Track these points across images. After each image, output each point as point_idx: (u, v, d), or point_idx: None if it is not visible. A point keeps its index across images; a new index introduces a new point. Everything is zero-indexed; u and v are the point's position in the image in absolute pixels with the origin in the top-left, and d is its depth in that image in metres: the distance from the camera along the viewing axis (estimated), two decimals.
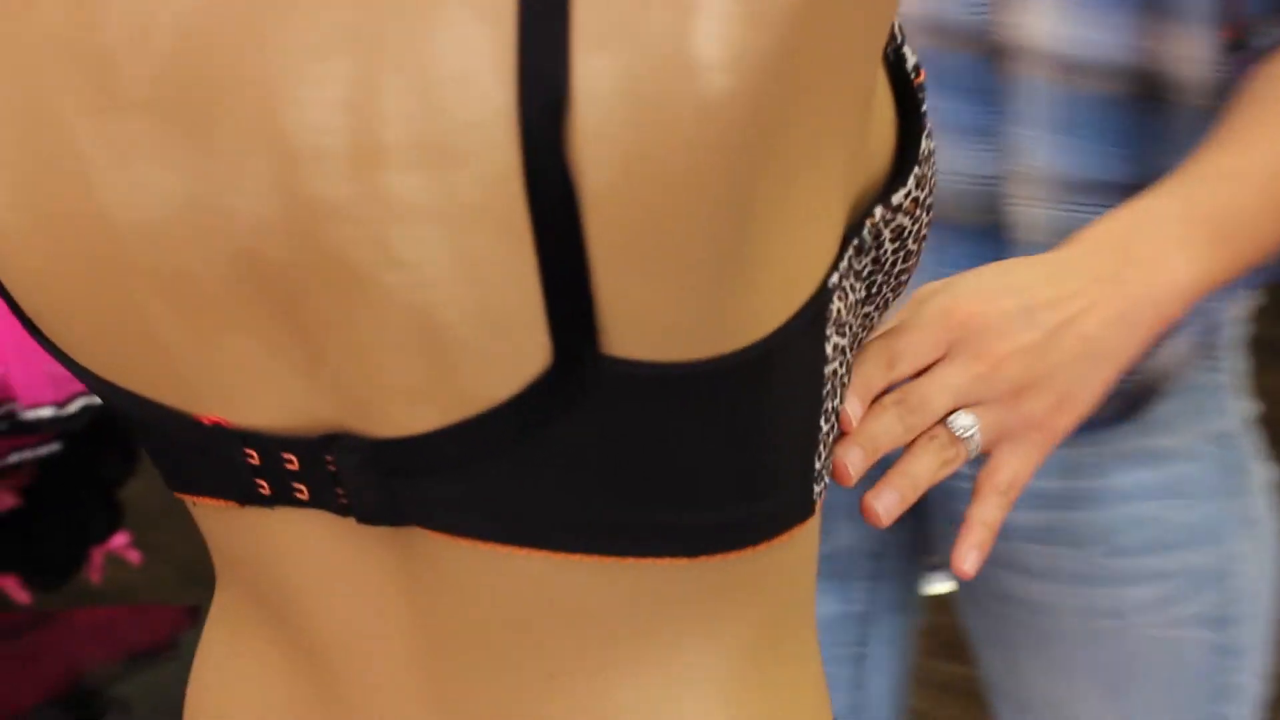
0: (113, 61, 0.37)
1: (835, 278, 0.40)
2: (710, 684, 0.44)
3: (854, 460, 0.50)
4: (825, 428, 0.44)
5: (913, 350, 0.53)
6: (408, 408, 0.39)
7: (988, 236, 0.82)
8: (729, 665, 0.45)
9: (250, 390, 0.42)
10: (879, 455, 0.51)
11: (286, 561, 0.46)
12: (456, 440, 0.39)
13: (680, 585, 0.43)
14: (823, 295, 0.40)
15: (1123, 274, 0.57)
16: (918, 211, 0.45)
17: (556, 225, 0.35)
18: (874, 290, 0.46)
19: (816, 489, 0.44)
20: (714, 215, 0.35)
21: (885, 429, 0.51)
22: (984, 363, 0.53)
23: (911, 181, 0.44)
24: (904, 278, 0.48)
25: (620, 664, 0.43)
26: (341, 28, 0.35)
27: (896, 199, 0.43)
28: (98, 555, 1.93)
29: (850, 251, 0.42)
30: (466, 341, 0.38)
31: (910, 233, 0.46)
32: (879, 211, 0.43)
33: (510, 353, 0.37)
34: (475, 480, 0.40)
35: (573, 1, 0.33)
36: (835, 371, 0.43)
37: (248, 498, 0.44)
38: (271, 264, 0.38)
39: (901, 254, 0.46)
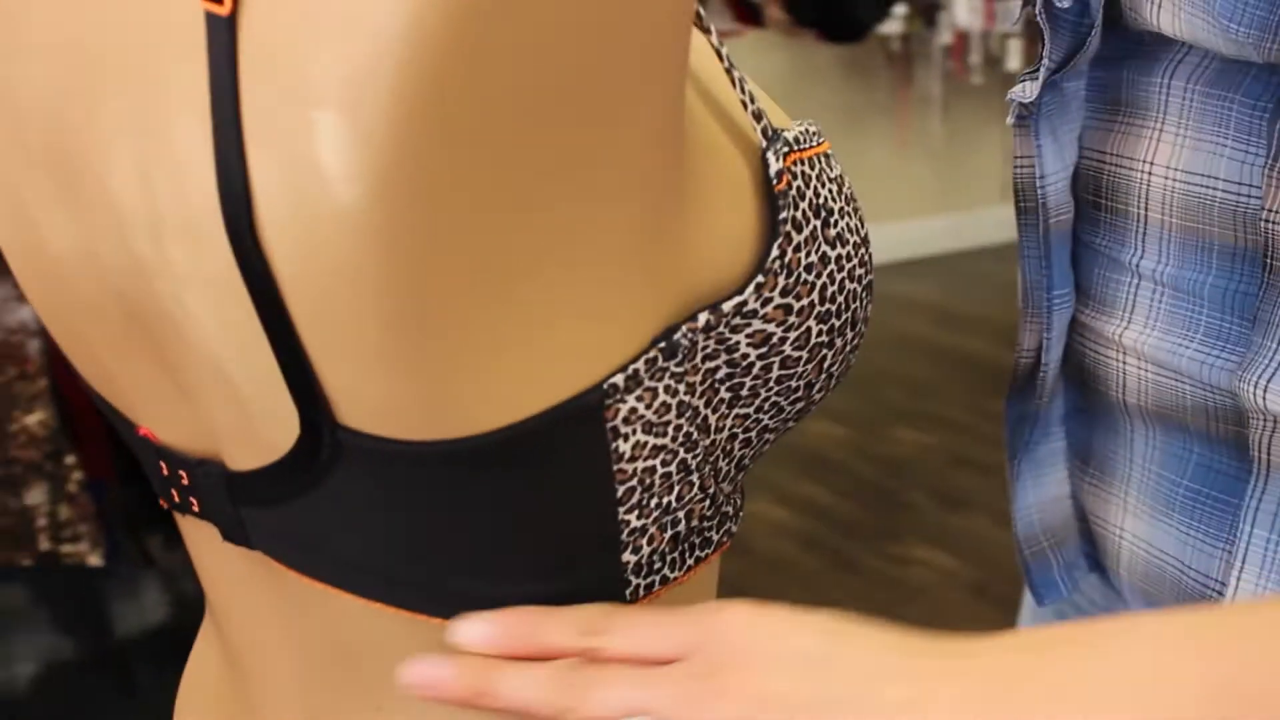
0: (25, 121, 0.43)
1: (620, 379, 0.40)
2: None
3: (424, 672, 0.42)
4: (638, 522, 0.43)
5: (633, 632, 0.42)
6: (233, 447, 0.44)
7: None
8: None
9: (159, 410, 0.47)
10: (481, 699, 0.41)
11: (209, 569, 0.52)
12: (262, 483, 0.43)
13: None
14: (594, 393, 0.40)
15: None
16: (790, 319, 0.43)
17: (267, 306, 0.38)
18: (743, 393, 0.45)
19: (636, 582, 0.44)
20: (384, 309, 0.37)
21: (519, 685, 0.41)
22: (711, 684, 0.40)
23: (750, 291, 0.42)
24: (796, 384, 0.46)
25: (441, 713, 0.44)
26: (133, 109, 0.40)
27: (728, 306, 0.42)
28: None
29: (655, 354, 0.41)
30: (250, 398, 0.42)
31: (785, 339, 0.44)
32: (704, 317, 0.42)
33: (280, 412, 0.41)
34: (292, 520, 0.44)
35: (241, 100, 0.37)
36: (651, 468, 0.42)
37: (169, 503, 0.49)
38: (135, 305, 0.43)
39: (776, 360, 0.44)
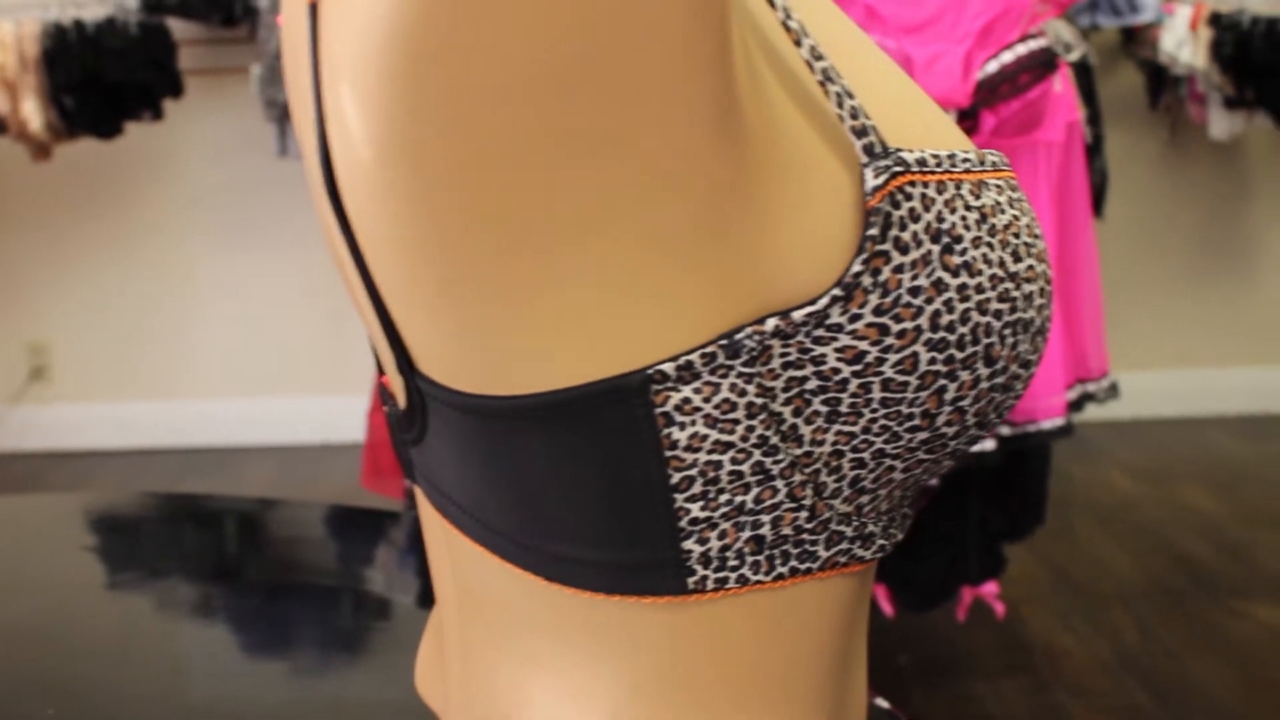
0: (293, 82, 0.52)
1: (670, 368, 0.41)
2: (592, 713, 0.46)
3: None
4: (701, 513, 0.44)
5: None
6: (394, 390, 0.49)
7: None
8: (604, 709, 0.46)
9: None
10: None
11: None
12: (403, 423, 0.49)
13: (556, 607, 0.46)
14: (636, 376, 0.41)
15: None
16: (888, 339, 0.42)
17: (357, 256, 0.45)
18: (842, 409, 0.43)
19: (703, 572, 0.44)
20: (421, 266, 0.42)
21: None
22: None
23: (826, 303, 0.41)
24: (909, 410, 0.44)
25: (530, 660, 0.48)
26: (294, 78, 0.48)
27: (798, 315, 0.42)
28: (968, 595, 2.00)
29: (714, 350, 0.42)
30: (378, 342, 0.48)
31: (883, 360, 0.42)
32: (772, 323, 0.42)
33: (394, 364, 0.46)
34: (423, 460, 0.49)
35: (321, 78, 0.44)
36: (716, 463, 0.43)
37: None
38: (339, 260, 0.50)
39: (876, 380, 0.43)
